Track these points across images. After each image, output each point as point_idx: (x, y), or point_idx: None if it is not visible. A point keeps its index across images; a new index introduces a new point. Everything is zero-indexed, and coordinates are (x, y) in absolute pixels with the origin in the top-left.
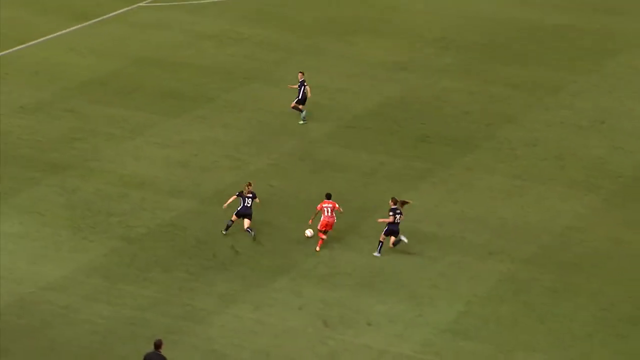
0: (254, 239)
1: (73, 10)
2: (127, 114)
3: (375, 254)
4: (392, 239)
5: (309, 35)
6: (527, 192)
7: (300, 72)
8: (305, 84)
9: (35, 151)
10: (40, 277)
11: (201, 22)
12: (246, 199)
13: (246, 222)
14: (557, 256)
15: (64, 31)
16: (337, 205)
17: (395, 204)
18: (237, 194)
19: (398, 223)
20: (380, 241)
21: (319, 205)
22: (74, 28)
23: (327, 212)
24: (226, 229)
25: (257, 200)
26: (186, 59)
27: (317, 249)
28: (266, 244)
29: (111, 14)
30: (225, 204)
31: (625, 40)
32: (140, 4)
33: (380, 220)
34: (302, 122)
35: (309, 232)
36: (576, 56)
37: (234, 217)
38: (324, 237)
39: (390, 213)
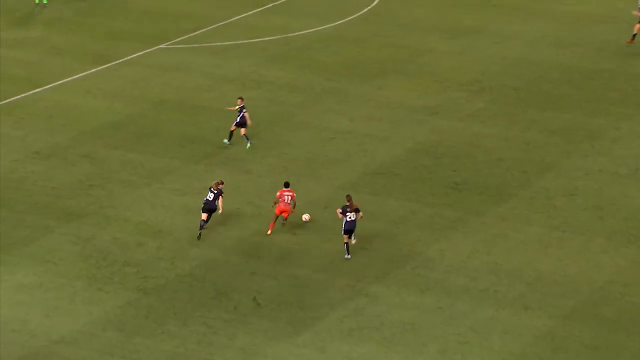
0: (199, 237)
1: (91, 52)
2: (144, 159)
3: (346, 256)
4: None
5: (334, 78)
6: (565, 243)
7: (240, 98)
8: (245, 110)
9: (50, 198)
10: (54, 330)
11: (223, 65)
12: (210, 192)
13: (204, 215)
14: (597, 311)
15: (80, 74)
16: (294, 195)
17: (349, 201)
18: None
19: (353, 221)
20: (344, 242)
21: (278, 193)
22: (91, 71)
23: (287, 199)
24: (200, 229)
25: (221, 197)
26: (207, 102)
27: (269, 232)
28: (289, 296)
29: (130, 57)
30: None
31: None
32: (161, 46)
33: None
34: (226, 141)
35: (306, 217)
36: (615, 101)
37: (203, 216)
38: (275, 223)
39: (340, 211)
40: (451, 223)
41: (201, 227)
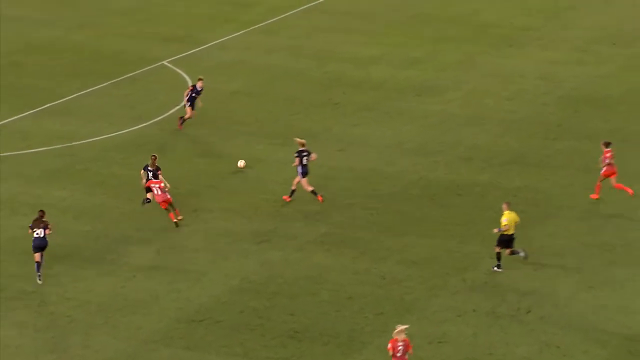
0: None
1: None
2: None
3: None
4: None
5: (135, 199)
6: None
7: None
8: None
9: None
10: None
11: None
12: (149, 172)
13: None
14: None
15: None
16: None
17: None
18: (144, 167)
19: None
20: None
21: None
22: None
23: (157, 191)
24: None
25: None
26: None
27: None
28: None
29: None
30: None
31: None
32: None
33: None
34: None
35: (241, 163)
36: (490, 221)
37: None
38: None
39: (296, 155)
40: None
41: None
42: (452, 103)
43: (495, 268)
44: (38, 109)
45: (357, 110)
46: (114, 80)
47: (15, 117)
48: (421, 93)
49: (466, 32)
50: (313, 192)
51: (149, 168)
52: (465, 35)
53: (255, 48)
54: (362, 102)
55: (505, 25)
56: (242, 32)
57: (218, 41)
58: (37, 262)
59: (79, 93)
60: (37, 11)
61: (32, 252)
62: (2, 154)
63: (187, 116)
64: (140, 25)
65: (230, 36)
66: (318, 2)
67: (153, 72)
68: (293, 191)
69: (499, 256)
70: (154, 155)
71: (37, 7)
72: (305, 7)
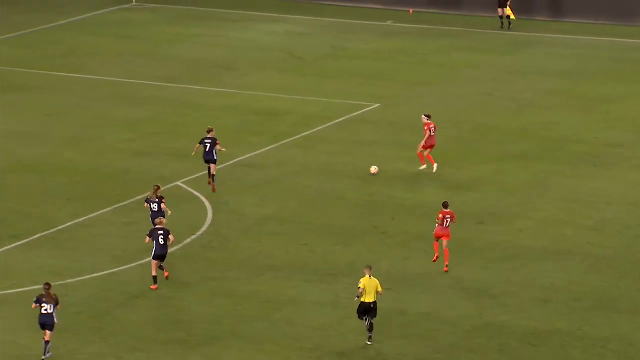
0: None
1: None
2: None
3: None
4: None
5: None
6: None
7: None
8: None
9: None
10: None
11: None
12: (152, 204)
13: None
14: None
15: None
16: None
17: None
18: (146, 200)
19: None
20: None
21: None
22: None
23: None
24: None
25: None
26: None
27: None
28: None
29: None
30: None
31: None
32: None
33: None
34: None
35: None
36: None
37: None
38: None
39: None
40: None
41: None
42: (522, 233)
43: None
44: (25, 241)
45: (409, 241)
46: (116, 206)
47: None
48: (484, 221)
49: (538, 147)
50: None
51: (151, 199)
52: (537, 152)
53: (287, 165)
54: (415, 230)
55: (588, 140)
56: (272, 146)
57: (244, 157)
58: (45, 341)
59: (74, 221)
60: (24, 124)
61: (40, 329)
62: None
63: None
64: (148, 140)
65: (258, 151)
66: (360, 112)
67: (164, 194)
68: None
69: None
70: (156, 186)
71: (24, 120)
72: (345, 117)
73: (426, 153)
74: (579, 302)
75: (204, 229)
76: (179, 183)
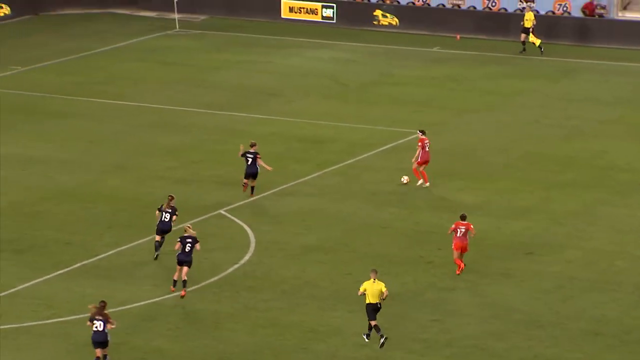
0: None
1: None
2: None
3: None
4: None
5: None
6: None
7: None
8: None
9: None
10: None
11: None
12: (164, 213)
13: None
14: None
15: None
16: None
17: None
18: (158, 208)
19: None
20: None
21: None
22: None
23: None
24: (156, 250)
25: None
26: None
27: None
28: None
29: None
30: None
31: None
32: None
33: None
34: None
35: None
36: None
37: (157, 237)
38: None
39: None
40: None
41: (157, 248)
42: (572, 264)
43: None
44: (65, 269)
45: (455, 271)
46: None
47: (39, 280)
48: (533, 251)
49: (587, 176)
50: None
51: (164, 209)
52: (586, 180)
53: (331, 194)
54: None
55: (639, 169)
56: (316, 174)
57: (287, 185)
58: (97, 357)
59: (115, 250)
60: (66, 151)
61: (93, 347)
62: (21, 324)
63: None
64: (191, 167)
65: (301, 179)
66: (406, 139)
67: (207, 223)
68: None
69: (369, 326)
70: (170, 196)
71: (66, 147)
72: (391, 145)
73: (421, 169)
74: (630, 335)
75: (246, 257)
76: (221, 211)
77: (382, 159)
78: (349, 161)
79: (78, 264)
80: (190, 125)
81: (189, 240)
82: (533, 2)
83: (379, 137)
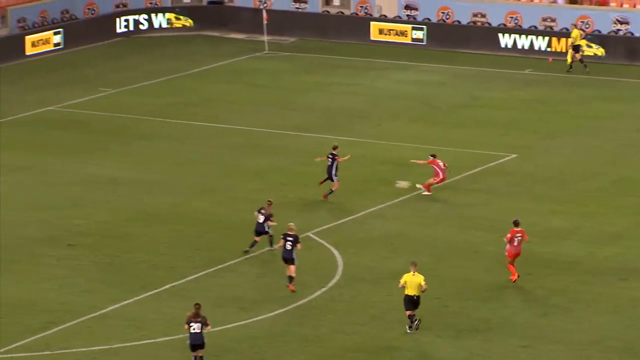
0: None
1: None
2: None
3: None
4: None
5: None
6: None
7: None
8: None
9: None
10: None
11: None
12: (260, 215)
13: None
14: None
15: None
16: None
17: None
18: (258, 210)
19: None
20: None
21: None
22: None
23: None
24: (249, 247)
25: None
26: None
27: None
28: None
29: None
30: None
31: None
32: None
33: None
34: None
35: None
36: None
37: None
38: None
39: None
40: None
41: (252, 245)
42: None
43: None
44: (154, 291)
45: (546, 297)
46: (246, 257)
47: (129, 301)
48: (627, 277)
49: None
50: None
51: (263, 211)
52: None
53: (419, 217)
54: (552, 286)
55: None
56: (404, 197)
57: (375, 208)
58: (194, 356)
59: (204, 272)
60: (154, 173)
61: (189, 350)
62: (113, 345)
63: (334, 188)
64: (278, 190)
65: (389, 202)
66: (496, 162)
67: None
68: None
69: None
70: (269, 201)
71: (154, 169)
72: (480, 168)
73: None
74: None
75: (334, 280)
76: (309, 234)
77: (472, 182)
78: (438, 185)
79: (167, 286)
80: (278, 147)
81: (290, 238)
82: (628, 24)
83: (469, 160)
